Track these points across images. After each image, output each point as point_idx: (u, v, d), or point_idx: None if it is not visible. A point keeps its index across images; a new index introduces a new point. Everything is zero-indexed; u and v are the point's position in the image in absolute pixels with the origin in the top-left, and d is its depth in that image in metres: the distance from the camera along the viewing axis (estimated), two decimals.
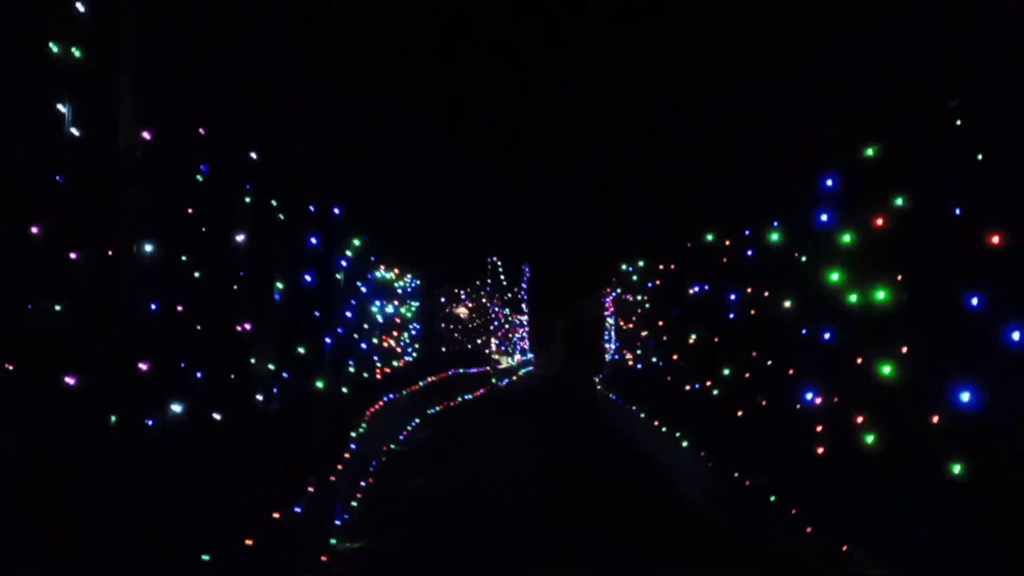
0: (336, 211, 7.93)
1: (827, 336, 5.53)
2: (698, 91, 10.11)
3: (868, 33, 5.80)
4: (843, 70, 6.12)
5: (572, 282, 34.85)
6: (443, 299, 21.45)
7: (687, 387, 10.21)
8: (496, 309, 31.59)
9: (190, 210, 5.07)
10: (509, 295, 35.51)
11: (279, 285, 6.29)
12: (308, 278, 6.89)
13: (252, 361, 5.80)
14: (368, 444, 10.85)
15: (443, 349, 21.12)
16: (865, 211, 5.00)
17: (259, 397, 6.07)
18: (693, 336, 10.04)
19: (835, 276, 5.38)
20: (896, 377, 4.51)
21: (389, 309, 12.24)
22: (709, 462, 8.43)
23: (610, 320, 20.64)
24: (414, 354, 16.94)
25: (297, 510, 6.20)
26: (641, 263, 14.00)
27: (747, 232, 7.91)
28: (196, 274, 5.09)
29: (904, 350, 4.42)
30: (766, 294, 7.14)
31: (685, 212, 10.30)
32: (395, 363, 13.82)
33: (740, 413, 7.88)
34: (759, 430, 7.24)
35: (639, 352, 14.32)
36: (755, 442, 7.27)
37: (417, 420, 16.45)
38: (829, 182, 5.44)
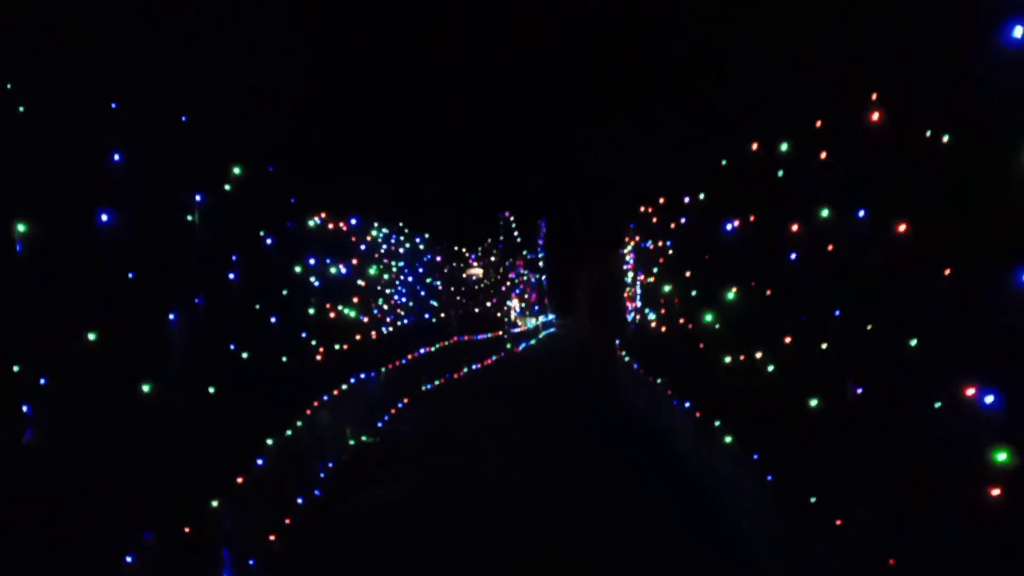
0: (184, 118, 5.23)
1: None
2: None
3: None
4: None
5: (594, 235, 32.03)
6: (439, 258, 18.71)
7: (727, 359, 7.43)
8: (510, 268, 28.82)
9: None
10: (525, 252, 32.65)
11: (20, 228, 3.62)
12: (105, 217, 4.22)
13: None
14: (310, 449, 8.27)
15: (441, 315, 18.44)
16: None
17: None
18: (732, 290, 7.24)
19: None
20: None
21: (337, 270, 9.56)
22: (767, 473, 5.70)
23: (631, 275, 17.80)
24: (399, 323, 14.32)
25: None
26: (662, 199, 11.12)
27: (818, 124, 5.06)
28: None
29: None
30: (861, 215, 4.30)
31: (717, 120, 7.44)
32: (361, 336, 11.17)
33: (814, 404, 5.10)
34: (853, 437, 4.47)
35: (663, 312, 11.54)
36: (846, 455, 4.51)
37: (403, 402, 13.88)
38: None
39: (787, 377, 5.70)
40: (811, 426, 5.14)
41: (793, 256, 5.58)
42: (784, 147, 5.65)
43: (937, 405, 3.46)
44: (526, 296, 32.08)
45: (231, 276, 5.88)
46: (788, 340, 5.70)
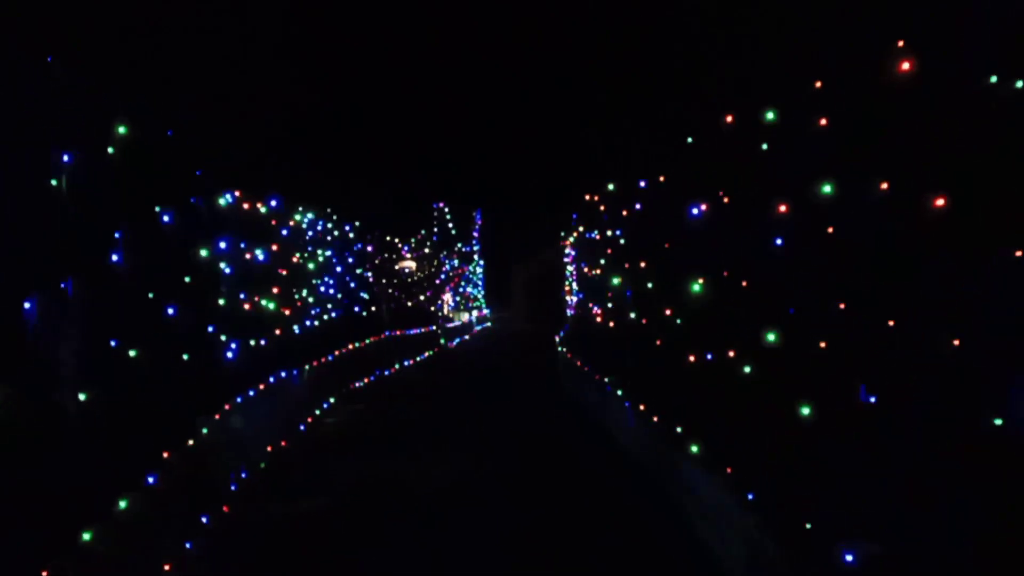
0: (49, 58, 4.20)
1: None
2: None
3: None
4: None
5: (531, 226, 31.46)
6: (371, 248, 17.72)
7: (690, 357, 6.72)
8: (444, 261, 27.86)
9: None
10: (460, 245, 31.70)
11: None
12: None
13: None
14: (218, 458, 7.26)
15: (372, 309, 17.42)
16: None
17: None
18: (698, 281, 6.53)
19: None
20: None
21: (254, 256, 8.53)
22: (745, 490, 4.97)
23: (571, 267, 17.08)
24: (326, 316, 13.28)
25: None
26: (611, 187, 10.39)
27: (817, 85, 4.34)
28: None
29: None
30: (883, 187, 3.58)
31: (682, 92, 6.70)
32: (282, 330, 10.15)
33: (806, 412, 4.39)
34: (862, 454, 3.76)
35: (610, 306, 10.83)
36: (851, 476, 3.79)
37: (328, 402, 12.84)
38: None
39: (769, 379, 5.00)
40: (802, 437, 4.43)
41: (778, 241, 4.87)
42: (770, 116, 4.93)
43: (998, 422, 2.75)
44: (460, 290, 31.20)
45: (113, 257, 4.86)
46: (770, 337, 4.99)
